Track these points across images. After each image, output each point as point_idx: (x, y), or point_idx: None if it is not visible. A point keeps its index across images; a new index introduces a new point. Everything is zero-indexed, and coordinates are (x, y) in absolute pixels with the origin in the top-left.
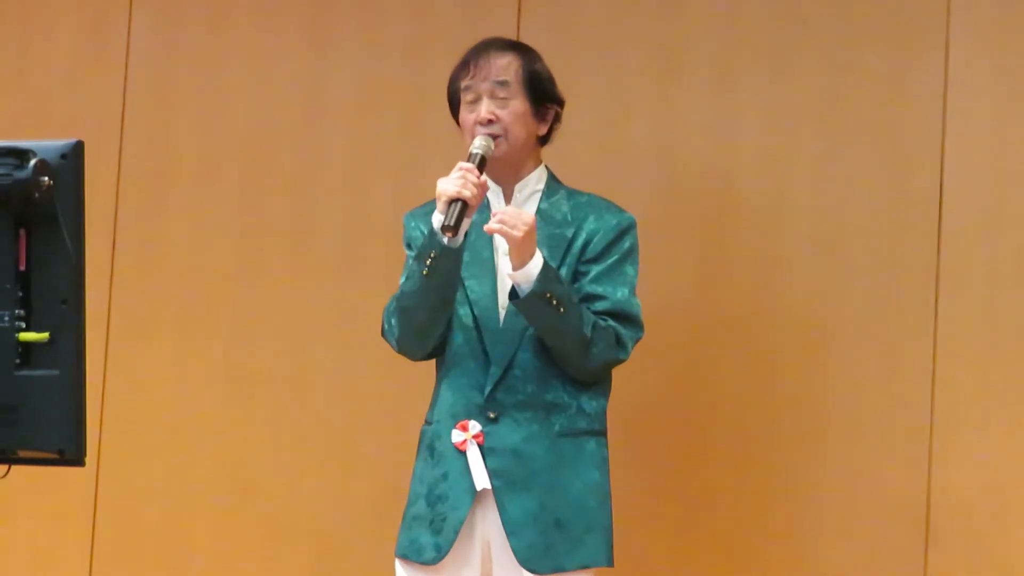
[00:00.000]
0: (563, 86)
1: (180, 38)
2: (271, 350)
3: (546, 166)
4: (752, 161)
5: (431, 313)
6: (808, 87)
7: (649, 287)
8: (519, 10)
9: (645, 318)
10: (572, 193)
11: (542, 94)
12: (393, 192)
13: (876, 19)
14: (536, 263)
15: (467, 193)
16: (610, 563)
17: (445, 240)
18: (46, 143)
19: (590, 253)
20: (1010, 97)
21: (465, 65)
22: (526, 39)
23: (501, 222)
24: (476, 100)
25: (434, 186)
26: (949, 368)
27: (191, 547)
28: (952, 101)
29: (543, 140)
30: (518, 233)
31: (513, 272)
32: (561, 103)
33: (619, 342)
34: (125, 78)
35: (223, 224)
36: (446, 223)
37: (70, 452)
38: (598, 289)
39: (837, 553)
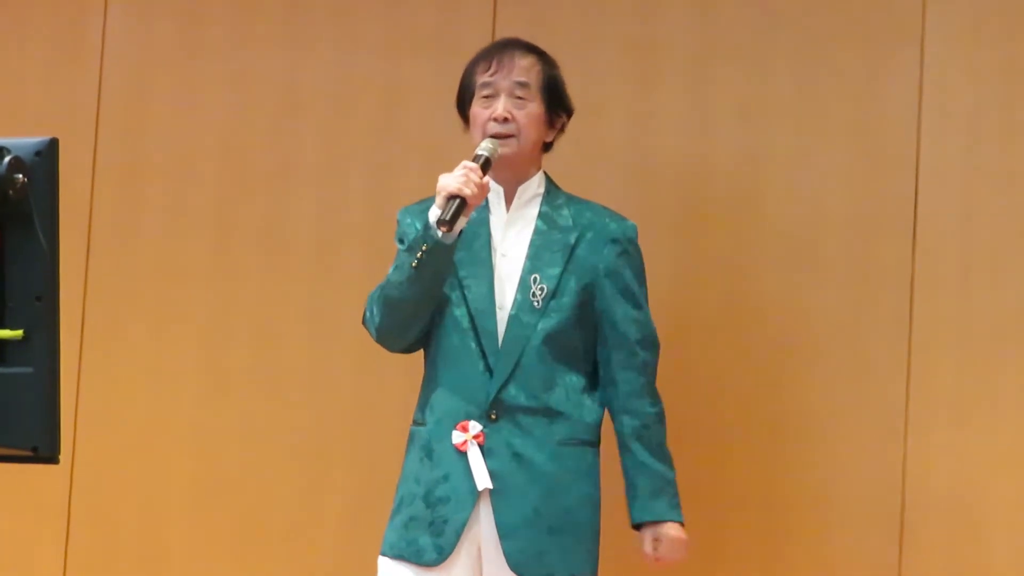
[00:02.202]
0: None
1: (155, 35)
2: (246, 348)
3: (545, 172)
4: (727, 161)
5: (415, 306)
6: (783, 87)
7: None
8: (495, 9)
9: None
10: (572, 199)
11: (557, 101)
12: (368, 190)
13: (851, 18)
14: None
15: (468, 191)
16: (595, 574)
17: (439, 235)
18: (20, 140)
19: (603, 263)
20: (985, 96)
21: (487, 60)
22: (500, 37)
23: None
24: (493, 96)
25: (409, 184)
26: (924, 367)
27: (166, 544)
28: (927, 100)
29: (547, 147)
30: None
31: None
32: (571, 113)
33: (656, 392)
34: (100, 75)
35: (198, 221)
36: (442, 217)
37: (44, 450)
38: (627, 313)
39: (812, 552)
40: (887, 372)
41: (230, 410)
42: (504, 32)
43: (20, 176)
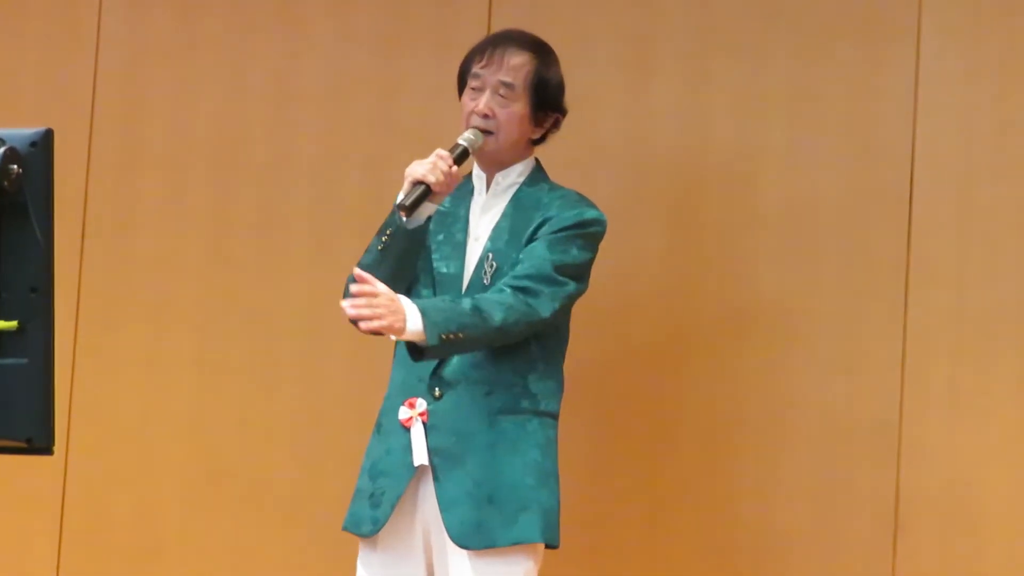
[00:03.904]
0: None
1: (150, 28)
2: (241, 339)
3: (536, 159)
4: (723, 154)
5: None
6: (779, 80)
7: (618, 280)
8: (490, 2)
9: (617, 309)
10: (554, 187)
11: (545, 102)
12: (364, 183)
13: (847, 11)
14: (415, 320)
15: (431, 178)
16: (548, 540)
17: (402, 219)
18: (15, 131)
19: (540, 233)
20: (980, 90)
21: (481, 52)
22: (496, 29)
23: (367, 317)
24: (480, 89)
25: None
26: (918, 361)
27: (160, 536)
28: (923, 94)
29: (537, 141)
30: (382, 322)
31: (401, 338)
32: (563, 112)
33: (528, 308)
34: (95, 66)
35: (193, 214)
36: (402, 202)
37: (39, 441)
38: (524, 256)
39: (806, 546)
40: (882, 365)
41: (225, 401)
42: (500, 24)
43: (15, 167)
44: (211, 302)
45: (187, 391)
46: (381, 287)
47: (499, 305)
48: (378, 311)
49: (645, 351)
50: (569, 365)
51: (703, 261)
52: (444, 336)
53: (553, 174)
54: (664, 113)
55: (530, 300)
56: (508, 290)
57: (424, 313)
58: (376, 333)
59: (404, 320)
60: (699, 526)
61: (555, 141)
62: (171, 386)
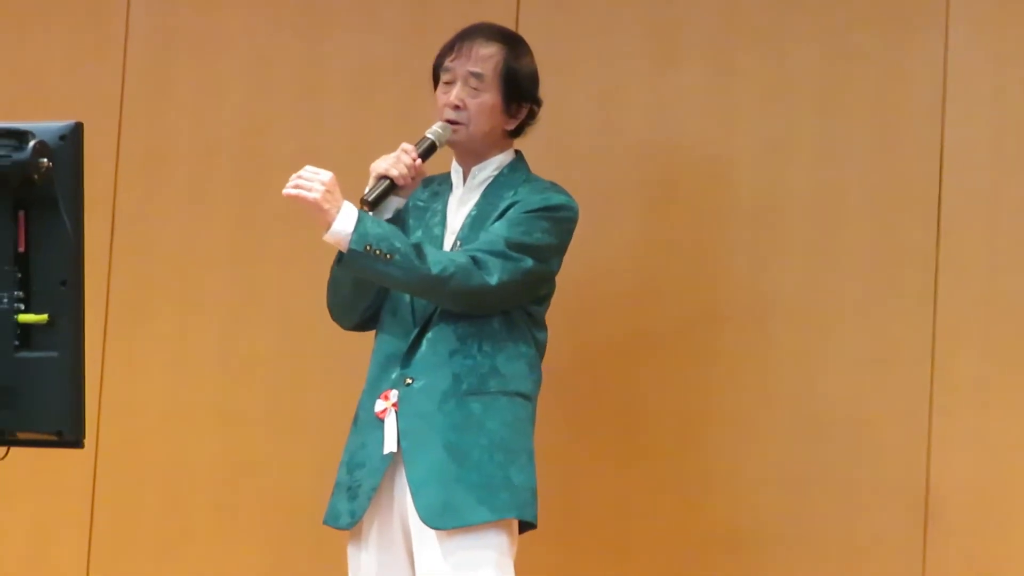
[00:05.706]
0: (560, 68)
1: (178, 22)
2: (269, 333)
3: (516, 152)
4: (749, 145)
5: (353, 286)
6: (806, 71)
7: (646, 272)
8: None
9: (645, 304)
10: (531, 178)
11: (516, 92)
12: None
13: (875, 1)
14: (348, 219)
15: (394, 172)
16: (521, 516)
17: (367, 214)
18: (45, 125)
19: (506, 215)
20: (1010, 80)
21: (451, 46)
22: (525, 21)
23: (297, 186)
24: (451, 82)
25: (429, 169)
26: (948, 352)
27: (189, 529)
28: (951, 84)
29: (514, 133)
30: (314, 195)
31: (326, 236)
32: (538, 103)
33: (474, 270)
34: (124, 61)
35: (221, 207)
36: (365, 197)
37: (69, 434)
38: (483, 234)
39: (837, 536)
40: (911, 356)
41: (253, 394)
42: (528, 15)
43: (45, 160)
44: (239, 295)
45: (216, 384)
46: (329, 176)
47: (445, 257)
48: (311, 183)
49: (673, 344)
50: (594, 354)
51: (730, 253)
52: (369, 248)
53: (576, 165)
54: (690, 104)
55: (478, 267)
56: (462, 253)
57: (360, 219)
58: (313, 207)
59: (337, 210)
60: (729, 519)
61: (579, 131)
62: (200, 379)
